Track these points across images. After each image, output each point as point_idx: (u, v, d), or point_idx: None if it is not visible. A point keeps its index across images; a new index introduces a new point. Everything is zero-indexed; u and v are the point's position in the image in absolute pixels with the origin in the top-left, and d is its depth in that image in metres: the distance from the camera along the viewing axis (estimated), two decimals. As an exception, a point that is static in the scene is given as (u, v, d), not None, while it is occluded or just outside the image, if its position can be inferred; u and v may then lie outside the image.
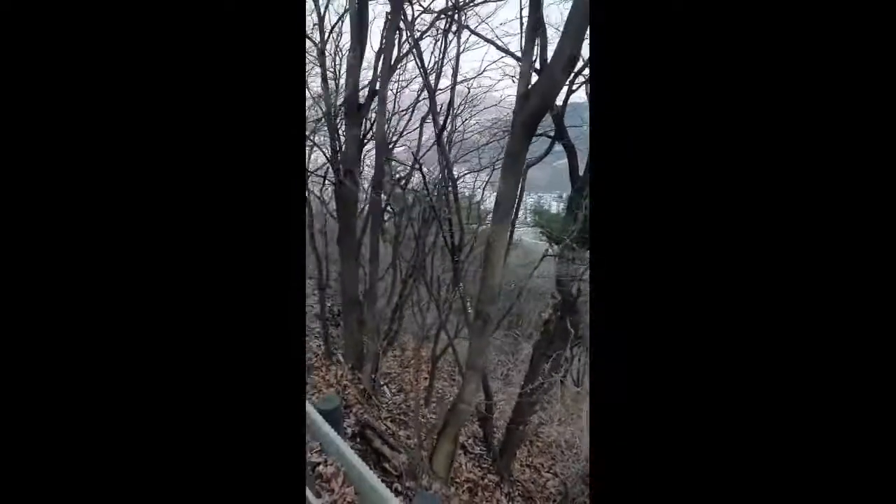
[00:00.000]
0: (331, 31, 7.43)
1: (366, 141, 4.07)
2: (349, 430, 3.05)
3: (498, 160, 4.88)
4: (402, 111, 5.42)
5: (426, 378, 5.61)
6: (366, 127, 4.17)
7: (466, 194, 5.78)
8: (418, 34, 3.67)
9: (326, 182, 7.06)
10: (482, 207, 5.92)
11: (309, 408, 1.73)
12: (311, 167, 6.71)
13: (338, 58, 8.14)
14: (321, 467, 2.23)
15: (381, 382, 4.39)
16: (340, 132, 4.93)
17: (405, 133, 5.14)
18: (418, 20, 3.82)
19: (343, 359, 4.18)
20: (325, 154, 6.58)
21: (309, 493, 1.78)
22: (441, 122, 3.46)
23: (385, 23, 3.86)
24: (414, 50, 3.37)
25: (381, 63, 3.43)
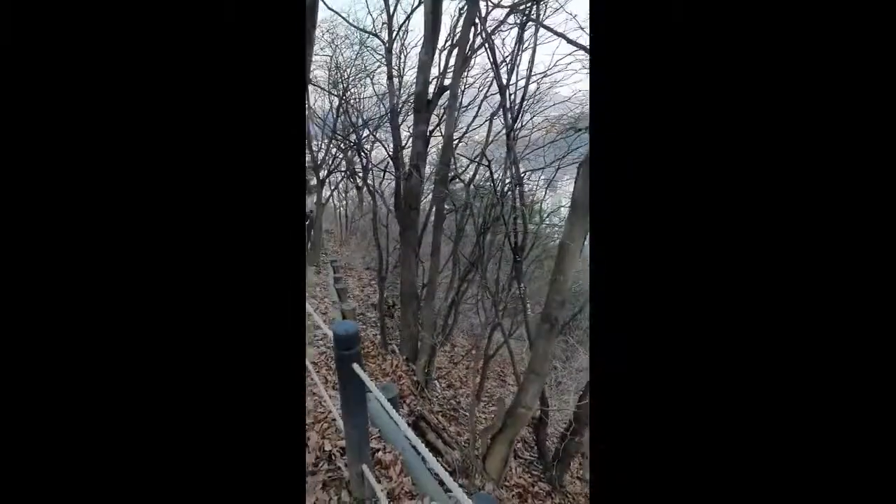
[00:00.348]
0: (398, 30, 7.66)
1: (430, 137, 4.10)
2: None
3: (561, 158, 4.70)
4: (464, 108, 5.42)
5: (476, 375, 5.58)
6: (430, 123, 4.21)
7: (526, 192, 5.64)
8: (490, 28, 3.62)
9: (386, 176, 7.31)
10: (543, 207, 5.75)
11: (376, 391, 1.76)
12: (374, 161, 6.95)
13: (403, 56, 8.39)
14: (380, 454, 2.27)
15: (433, 377, 4.43)
16: (402, 128, 5.05)
17: (470, 130, 5.13)
18: (490, 14, 3.77)
19: (398, 350, 4.27)
20: (386, 150, 6.81)
21: (371, 478, 1.81)
22: (512, 119, 3.38)
23: (457, 17, 3.85)
24: (486, 44, 3.32)
25: (452, 58, 3.42)
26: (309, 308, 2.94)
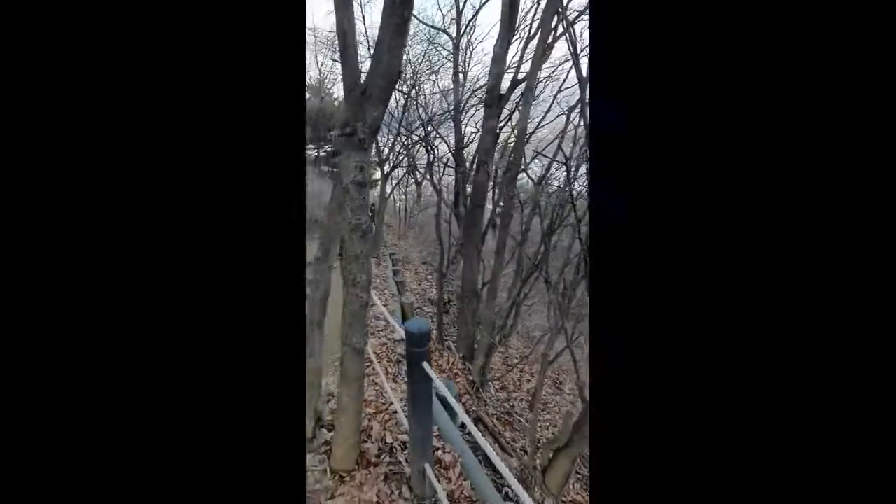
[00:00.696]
0: (467, 26, 7.62)
1: (500, 132, 3.99)
2: (459, 421, 3.06)
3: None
4: (524, 101, 5.21)
5: (529, 380, 5.41)
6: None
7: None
8: (571, 18, 3.40)
9: (447, 172, 7.33)
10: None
11: (447, 393, 1.72)
12: (438, 154, 6.99)
13: (469, 51, 8.36)
14: (439, 453, 2.24)
15: (488, 377, 4.35)
16: (463, 124, 4.98)
17: (542, 125, 4.93)
18: (570, 4, 3.55)
19: (454, 347, 4.25)
20: (448, 146, 6.82)
21: (433, 478, 1.79)
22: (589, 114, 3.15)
23: (533, 8, 3.68)
24: (567, 34, 3.12)
25: (528, 50, 3.27)
26: (375, 298, 3.00)
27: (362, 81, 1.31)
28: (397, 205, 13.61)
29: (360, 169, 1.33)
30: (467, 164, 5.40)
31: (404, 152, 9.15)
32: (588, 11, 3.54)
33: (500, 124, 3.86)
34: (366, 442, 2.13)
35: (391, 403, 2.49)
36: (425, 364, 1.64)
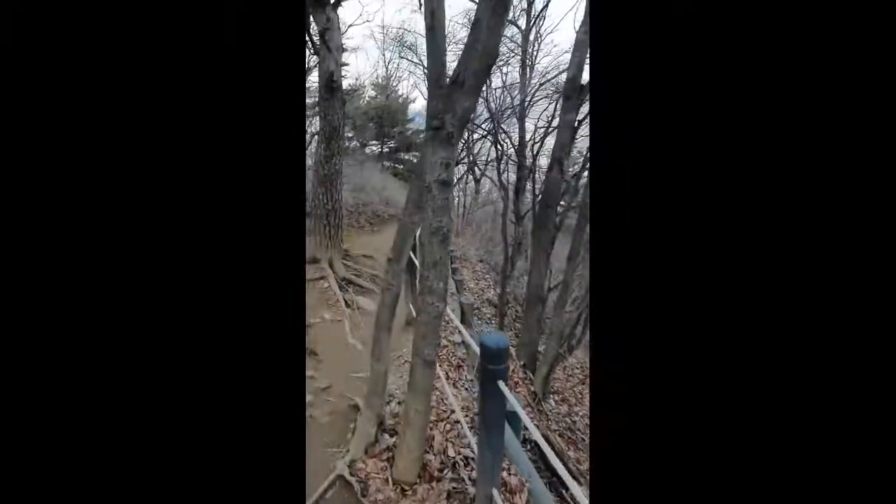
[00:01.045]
0: (537, 17, 7.27)
1: (577, 126, 3.67)
2: (521, 435, 2.87)
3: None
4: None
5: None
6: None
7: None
8: None
9: (507, 169, 7.07)
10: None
11: (526, 419, 1.55)
12: (502, 150, 6.77)
13: (537, 43, 7.99)
14: (505, 474, 2.08)
15: (550, 389, 4.09)
16: (529, 120, 4.69)
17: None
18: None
19: (515, 354, 4.04)
20: (511, 142, 6.55)
21: (497, 497, 1.64)
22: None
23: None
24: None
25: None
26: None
27: (453, 69, 1.18)
28: (455, 201, 13.60)
29: (446, 166, 1.19)
30: (529, 160, 5.14)
31: (465, 148, 9.04)
32: None
33: (580, 118, 3.55)
34: (427, 453, 2.03)
35: (452, 412, 2.37)
36: (501, 383, 1.49)
